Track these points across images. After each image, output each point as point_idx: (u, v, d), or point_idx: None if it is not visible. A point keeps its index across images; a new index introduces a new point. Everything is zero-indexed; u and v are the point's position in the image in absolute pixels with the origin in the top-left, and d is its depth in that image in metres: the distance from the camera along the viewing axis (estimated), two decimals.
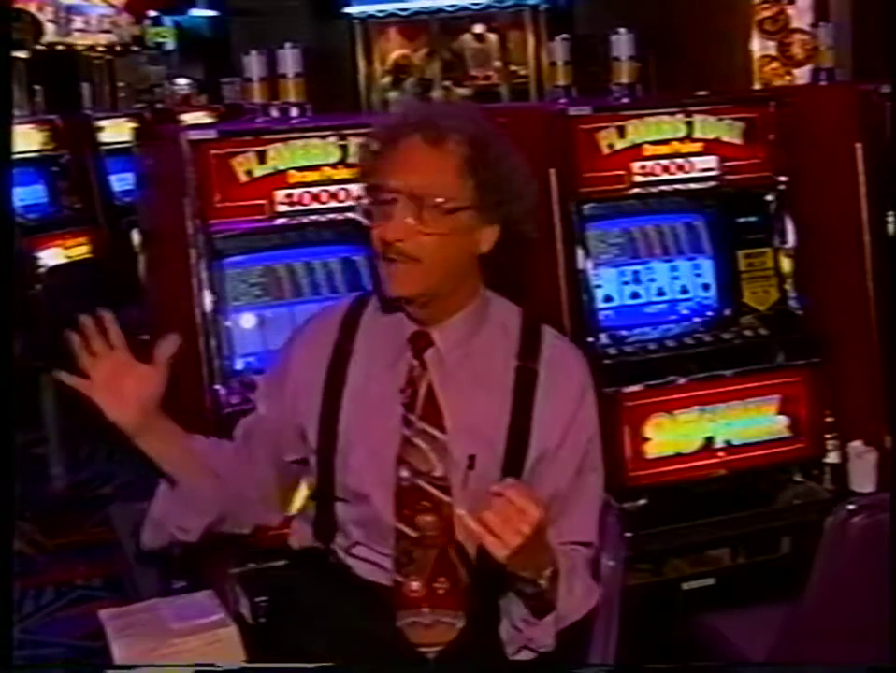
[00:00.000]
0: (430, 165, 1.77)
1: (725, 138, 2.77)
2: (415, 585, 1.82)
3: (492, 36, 10.43)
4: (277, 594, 2.01)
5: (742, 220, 2.79)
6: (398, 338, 1.87)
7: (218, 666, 1.78)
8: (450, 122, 1.79)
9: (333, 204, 2.42)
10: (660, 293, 2.77)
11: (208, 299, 2.35)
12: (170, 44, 9.14)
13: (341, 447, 1.85)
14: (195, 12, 9.98)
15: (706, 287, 2.80)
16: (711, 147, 2.75)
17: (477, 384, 1.85)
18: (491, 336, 1.88)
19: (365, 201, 1.87)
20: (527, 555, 1.63)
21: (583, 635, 1.90)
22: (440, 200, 1.76)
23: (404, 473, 1.82)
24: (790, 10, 6.87)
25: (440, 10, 10.21)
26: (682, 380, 2.64)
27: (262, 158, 2.39)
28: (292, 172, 2.40)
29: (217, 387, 2.31)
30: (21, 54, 6.66)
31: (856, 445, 2.69)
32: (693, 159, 2.75)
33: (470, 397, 1.84)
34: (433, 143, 1.77)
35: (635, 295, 2.75)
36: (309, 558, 1.93)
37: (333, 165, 2.42)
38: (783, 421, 2.70)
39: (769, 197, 2.79)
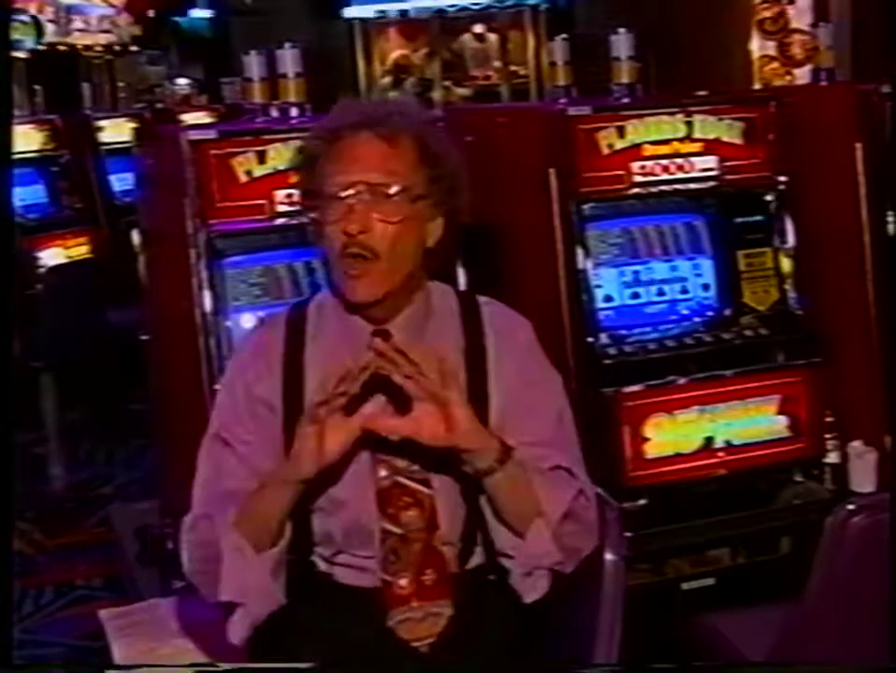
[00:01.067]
0: (386, 157, 1.79)
1: (725, 138, 2.77)
2: (403, 582, 1.82)
3: (492, 36, 10.43)
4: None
5: (742, 220, 2.79)
6: (355, 341, 1.85)
7: (218, 666, 1.78)
8: (398, 119, 1.82)
9: None
10: (660, 293, 2.77)
11: (208, 299, 2.35)
12: (170, 44, 9.15)
13: None
14: (195, 12, 9.98)
15: (706, 287, 2.80)
16: (711, 147, 2.75)
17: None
18: (438, 322, 1.90)
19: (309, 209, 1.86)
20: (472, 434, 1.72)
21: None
22: (399, 189, 1.78)
23: (383, 472, 1.82)
24: (790, 10, 6.86)
25: (440, 10, 10.22)
26: (682, 380, 2.63)
27: (262, 158, 2.39)
28: (292, 172, 2.40)
29: (217, 387, 2.31)
30: (21, 54, 6.66)
31: (856, 445, 2.69)
32: (693, 159, 2.74)
33: None
34: (385, 138, 1.80)
35: (635, 295, 2.75)
36: (289, 574, 1.89)
37: None
38: (783, 421, 2.70)
39: (769, 197, 2.79)
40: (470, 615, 1.85)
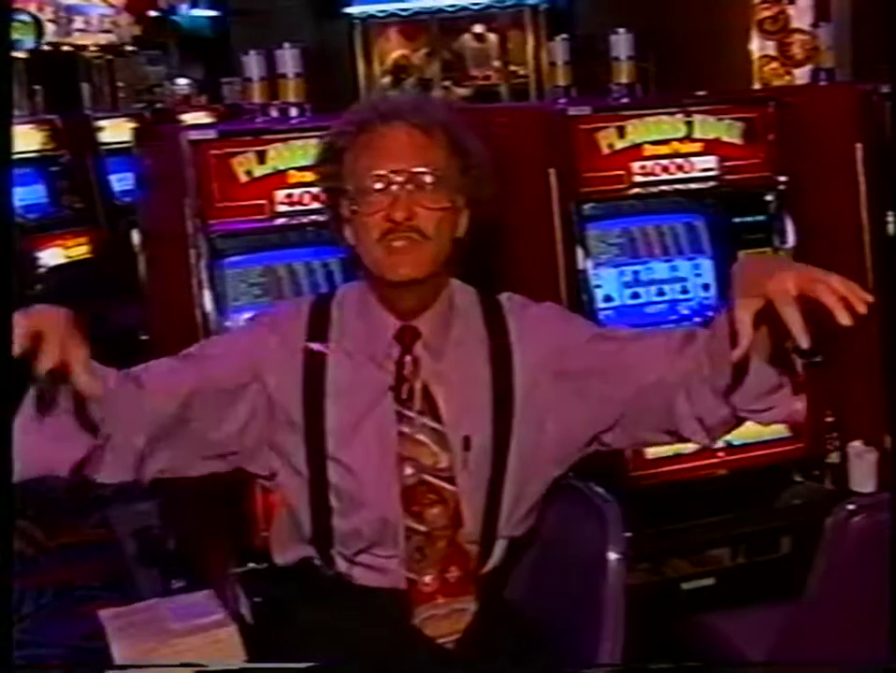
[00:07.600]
0: (423, 147, 1.80)
1: (725, 138, 2.77)
2: (428, 579, 1.82)
3: (492, 36, 10.45)
4: (273, 613, 1.98)
5: (742, 220, 2.79)
6: (379, 336, 1.85)
7: (218, 666, 1.78)
8: (429, 109, 1.83)
9: None
10: (660, 293, 2.77)
11: (208, 299, 2.35)
12: (170, 44, 9.15)
13: (333, 454, 1.82)
14: (196, 12, 9.97)
15: (706, 287, 2.80)
16: (711, 147, 2.75)
17: (460, 367, 1.87)
18: (463, 320, 1.90)
19: (344, 202, 1.83)
20: None
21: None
22: (441, 176, 1.79)
23: (409, 470, 1.81)
24: (790, 10, 6.87)
25: (440, 10, 10.23)
26: None
27: (262, 158, 2.39)
28: (292, 172, 2.41)
29: None
30: (21, 54, 6.66)
31: (856, 445, 2.69)
32: (693, 159, 2.75)
33: (457, 382, 1.86)
34: (420, 128, 1.80)
35: (635, 295, 2.75)
36: (300, 573, 1.90)
37: None
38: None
39: (769, 197, 2.79)
40: (494, 610, 1.86)
